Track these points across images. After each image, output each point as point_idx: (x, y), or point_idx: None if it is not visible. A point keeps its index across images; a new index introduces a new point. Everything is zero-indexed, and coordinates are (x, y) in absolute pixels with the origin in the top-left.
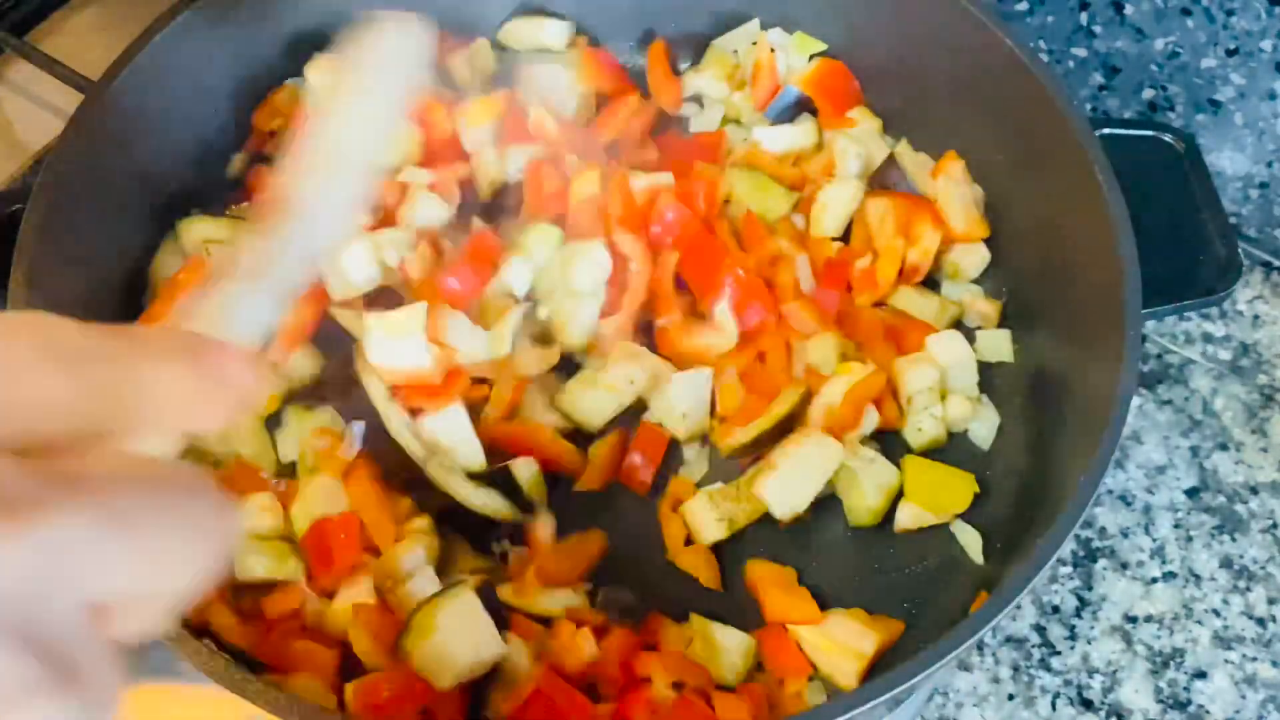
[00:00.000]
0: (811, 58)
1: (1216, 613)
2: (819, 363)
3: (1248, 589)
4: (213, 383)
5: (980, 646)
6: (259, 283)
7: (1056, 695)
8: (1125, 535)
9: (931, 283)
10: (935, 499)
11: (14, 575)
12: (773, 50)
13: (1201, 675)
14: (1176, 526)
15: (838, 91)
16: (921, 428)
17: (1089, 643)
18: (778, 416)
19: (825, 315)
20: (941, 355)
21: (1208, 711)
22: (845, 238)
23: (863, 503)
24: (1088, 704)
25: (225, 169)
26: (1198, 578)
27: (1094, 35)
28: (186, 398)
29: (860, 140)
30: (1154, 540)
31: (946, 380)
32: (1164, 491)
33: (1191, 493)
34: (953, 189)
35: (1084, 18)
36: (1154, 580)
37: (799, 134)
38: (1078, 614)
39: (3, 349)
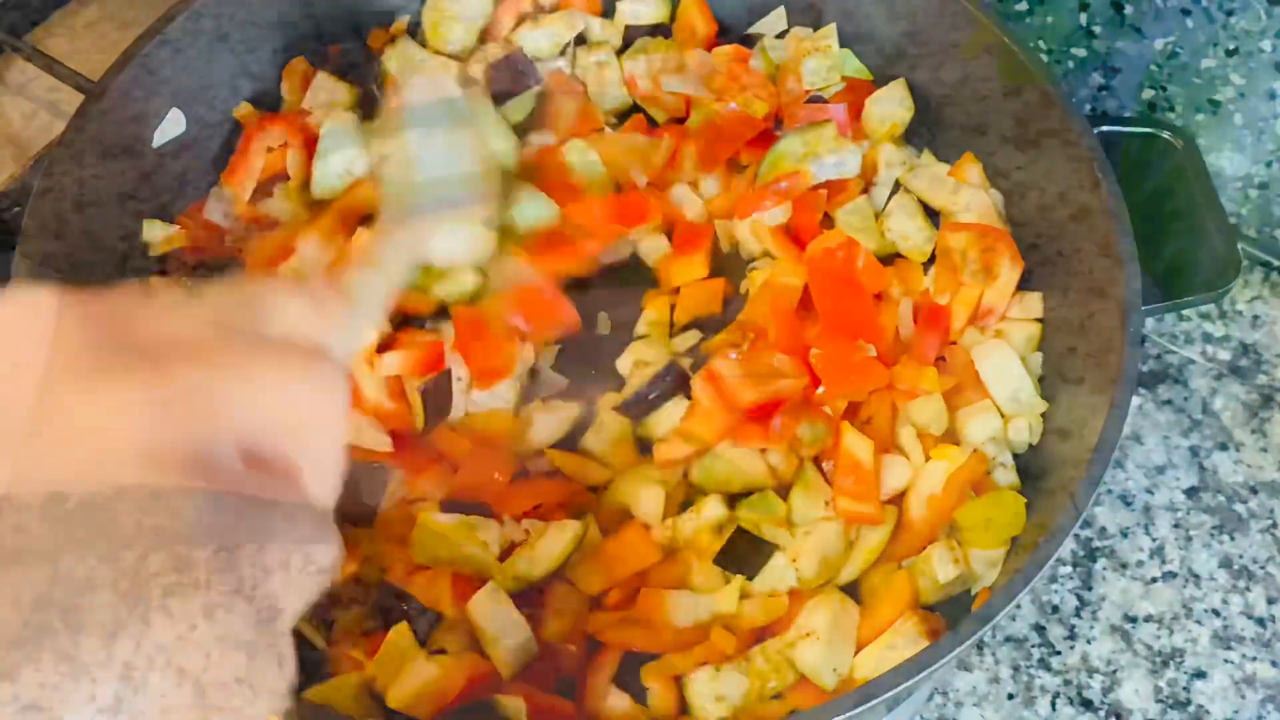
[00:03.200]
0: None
1: (1216, 612)
2: (927, 423)
3: (1247, 589)
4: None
5: (980, 646)
6: (382, 270)
7: (1056, 695)
8: (1125, 535)
9: None
10: (997, 533)
11: None
12: (802, 57)
13: (1201, 675)
14: (1176, 526)
15: (859, 106)
16: (996, 482)
17: (1089, 642)
18: (877, 551)
19: (930, 370)
20: (991, 378)
21: (1207, 711)
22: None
23: (935, 583)
24: (1087, 704)
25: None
26: (1197, 577)
27: (1094, 35)
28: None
29: (900, 148)
30: (1154, 540)
31: (1004, 405)
32: (1164, 491)
33: (1191, 492)
34: (971, 194)
35: (1084, 18)
36: (1153, 580)
37: (854, 157)
38: (1077, 614)
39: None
